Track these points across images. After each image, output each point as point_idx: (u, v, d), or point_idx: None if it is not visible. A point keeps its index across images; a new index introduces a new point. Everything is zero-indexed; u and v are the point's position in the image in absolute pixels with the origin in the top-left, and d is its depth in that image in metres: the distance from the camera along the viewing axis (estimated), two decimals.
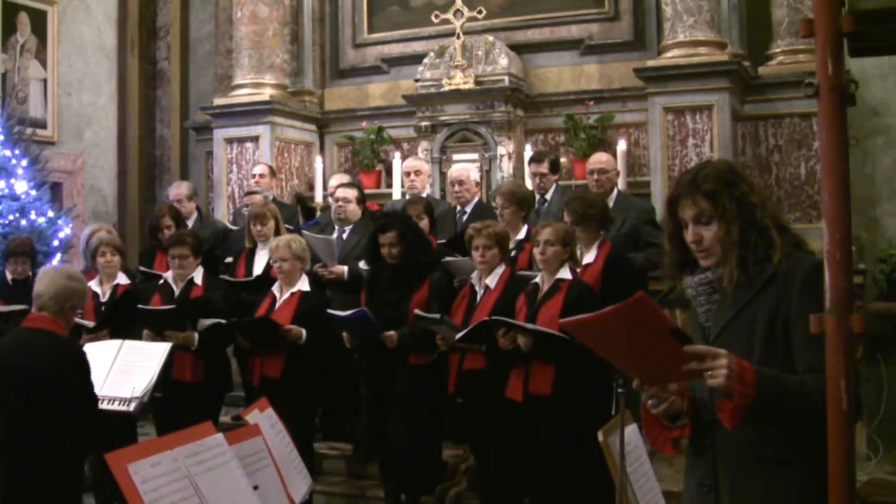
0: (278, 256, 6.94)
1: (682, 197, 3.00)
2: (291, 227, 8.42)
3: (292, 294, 6.94)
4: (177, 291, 7.12)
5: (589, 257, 6.40)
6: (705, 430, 2.98)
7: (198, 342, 6.87)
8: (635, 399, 3.04)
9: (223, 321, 6.89)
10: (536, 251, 6.00)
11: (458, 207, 8.30)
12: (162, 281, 7.25)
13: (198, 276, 7.16)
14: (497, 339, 5.93)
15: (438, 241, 7.57)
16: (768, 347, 2.84)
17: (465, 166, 8.73)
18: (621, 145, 9.23)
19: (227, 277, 7.77)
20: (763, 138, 9.18)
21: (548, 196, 8.14)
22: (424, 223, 7.43)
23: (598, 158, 8.04)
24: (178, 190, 9.44)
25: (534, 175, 8.23)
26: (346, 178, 9.39)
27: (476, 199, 8.29)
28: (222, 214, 10.44)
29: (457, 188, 8.19)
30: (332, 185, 9.04)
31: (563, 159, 9.31)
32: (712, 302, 3.01)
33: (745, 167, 8.82)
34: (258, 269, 7.81)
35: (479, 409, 6.29)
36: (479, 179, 8.59)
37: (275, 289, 7.05)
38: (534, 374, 5.86)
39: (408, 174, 8.83)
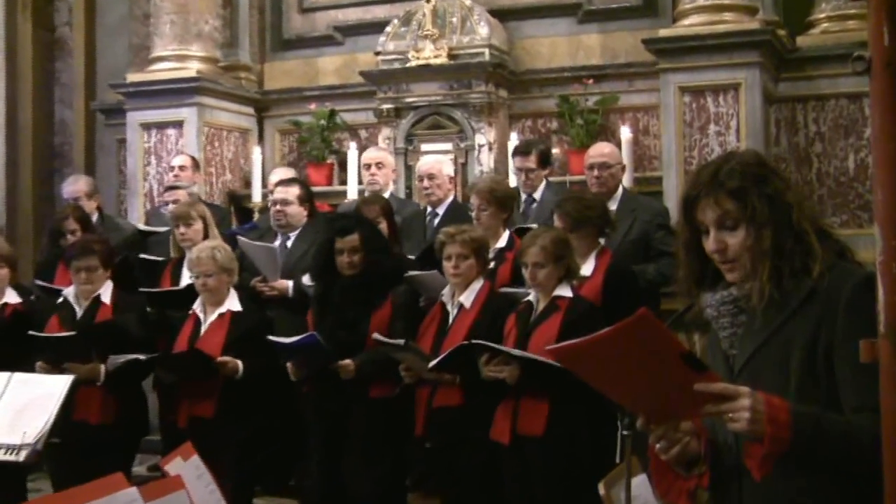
0: (201, 270, 6.86)
1: (701, 196, 2.99)
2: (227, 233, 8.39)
3: (220, 315, 6.89)
4: (80, 312, 7.07)
5: (585, 270, 6.39)
6: (728, 479, 2.97)
7: (106, 376, 6.82)
8: (645, 443, 3.03)
9: (140, 357, 6.81)
10: (525, 273, 6.02)
11: (429, 208, 8.29)
12: (61, 299, 7.18)
13: (106, 293, 7.11)
14: (477, 368, 5.92)
15: (408, 256, 7.54)
16: (807, 380, 2.83)
17: (437, 158, 8.73)
18: (626, 133, 9.23)
19: (147, 290, 7.70)
20: (802, 124, 9.23)
21: (537, 195, 8.13)
22: (382, 227, 7.41)
23: (600, 150, 7.97)
24: (74, 187, 9.39)
25: (519, 170, 8.22)
26: (289, 173, 9.35)
27: (450, 198, 8.29)
28: (138, 216, 10.39)
29: (426, 184, 8.18)
30: (272, 180, 9.02)
31: (555, 150, 9.31)
32: (738, 324, 3.01)
33: (778, 160, 8.89)
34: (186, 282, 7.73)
35: (453, 452, 6.28)
36: (453, 174, 8.57)
37: (197, 308, 6.99)
38: (524, 412, 5.87)
39: (368, 167, 8.82)
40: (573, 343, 2.73)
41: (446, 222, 7.52)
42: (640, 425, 2.89)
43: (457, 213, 8.00)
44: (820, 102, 9.19)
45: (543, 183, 8.20)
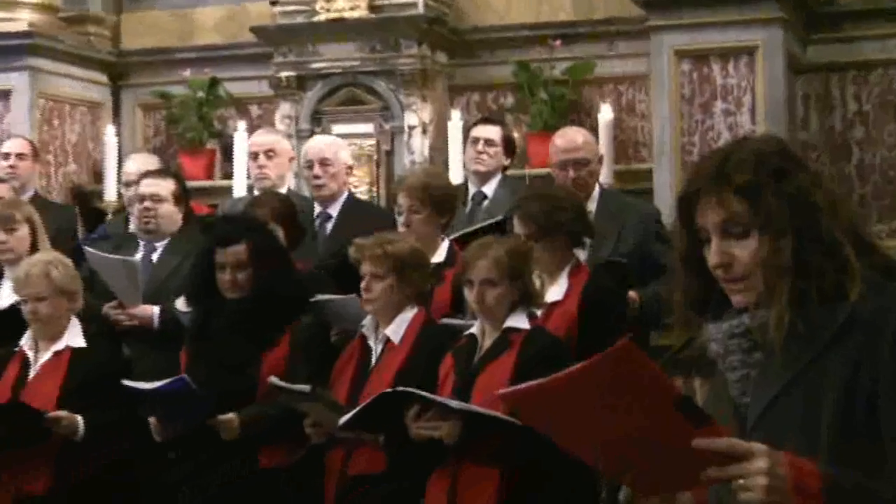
0: (30, 293, 6.80)
1: (701, 194, 2.96)
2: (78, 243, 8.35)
3: (57, 354, 6.84)
4: None
5: (556, 292, 6.40)
6: None
7: None
8: None
9: None
10: (469, 295, 5.98)
11: (318, 207, 8.32)
12: None
13: None
14: (405, 425, 5.91)
15: (309, 267, 7.53)
16: (842, 437, 2.81)
17: (331, 139, 8.76)
18: (606, 113, 9.28)
19: None
20: (838, 101, 9.30)
21: (488, 188, 8.16)
22: (279, 236, 7.36)
23: (572, 140, 7.84)
24: None
25: (475, 141, 8.26)
26: (151, 161, 9.28)
27: (345, 194, 8.34)
28: None
29: (317, 171, 8.21)
30: (129, 170, 8.98)
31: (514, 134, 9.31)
32: (751, 364, 2.99)
33: (806, 148, 8.96)
34: (5, 305, 7.67)
35: None
36: (351, 163, 8.56)
37: (25, 344, 6.93)
38: (466, 482, 5.82)
39: (255, 156, 8.83)
40: (531, 386, 2.70)
41: (342, 226, 7.60)
42: (623, 498, 2.88)
43: (356, 213, 8.10)
44: (862, 72, 9.26)
45: (499, 175, 8.22)
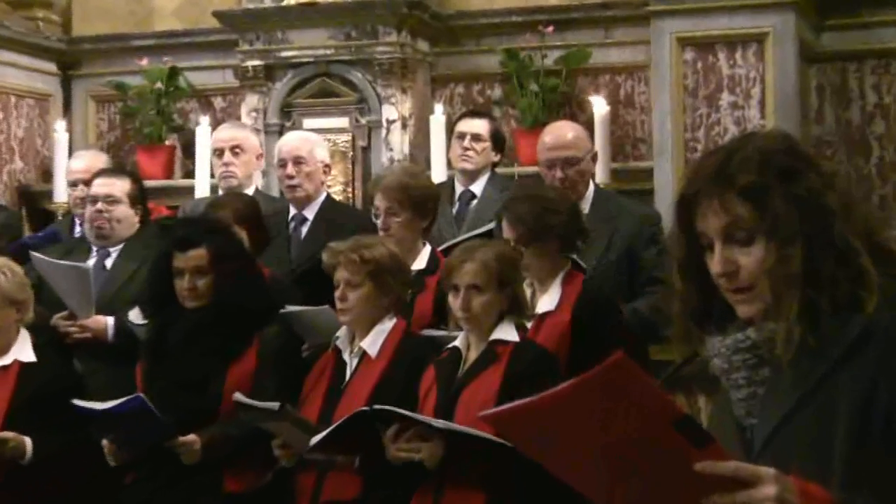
0: None
1: (702, 196, 2.95)
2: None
3: (4, 369, 6.84)
4: None
5: (547, 302, 6.39)
6: None
7: None
8: None
9: None
10: (454, 301, 5.97)
11: (292, 210, 8.30)
12: None
13: None
14: (383, 446, 5.89)
15: (279, 274, 7.52)
16: (858, 461, 2.79)
17: (304, 135, 8.76)
18: (600, 106, 9.27)
19: None
20: (856, 93, 9.31)
21: (477, 187, 8.18)
22: (242, 239, 7.32)
23: (560, 137, 7.82)
24: None
25: (461, 136, 8.28)
26: (100, 158, 9.24)
27: (322, 195, 8.33)
28: None
29: (290, 171, 8.18)
30: (75, 168, 9.00)
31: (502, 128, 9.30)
32: (758, 381, 2.98)
33: (821, 144, 8.96)
34: None
35: None
36: (328, 161, 8.56)
37: None
38: None
39: (220, 153, 8.79)
40: (517, 406, 2.68)
41: (318, 230, 7.58)
42: None
43: (334, 216, 8.10)
44: (882, 61, 9.27)
45: (488, 173, 8.22)
